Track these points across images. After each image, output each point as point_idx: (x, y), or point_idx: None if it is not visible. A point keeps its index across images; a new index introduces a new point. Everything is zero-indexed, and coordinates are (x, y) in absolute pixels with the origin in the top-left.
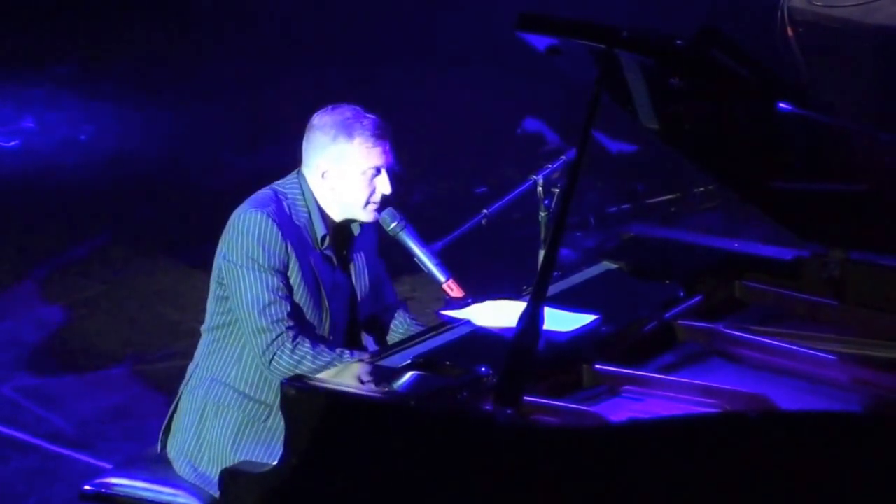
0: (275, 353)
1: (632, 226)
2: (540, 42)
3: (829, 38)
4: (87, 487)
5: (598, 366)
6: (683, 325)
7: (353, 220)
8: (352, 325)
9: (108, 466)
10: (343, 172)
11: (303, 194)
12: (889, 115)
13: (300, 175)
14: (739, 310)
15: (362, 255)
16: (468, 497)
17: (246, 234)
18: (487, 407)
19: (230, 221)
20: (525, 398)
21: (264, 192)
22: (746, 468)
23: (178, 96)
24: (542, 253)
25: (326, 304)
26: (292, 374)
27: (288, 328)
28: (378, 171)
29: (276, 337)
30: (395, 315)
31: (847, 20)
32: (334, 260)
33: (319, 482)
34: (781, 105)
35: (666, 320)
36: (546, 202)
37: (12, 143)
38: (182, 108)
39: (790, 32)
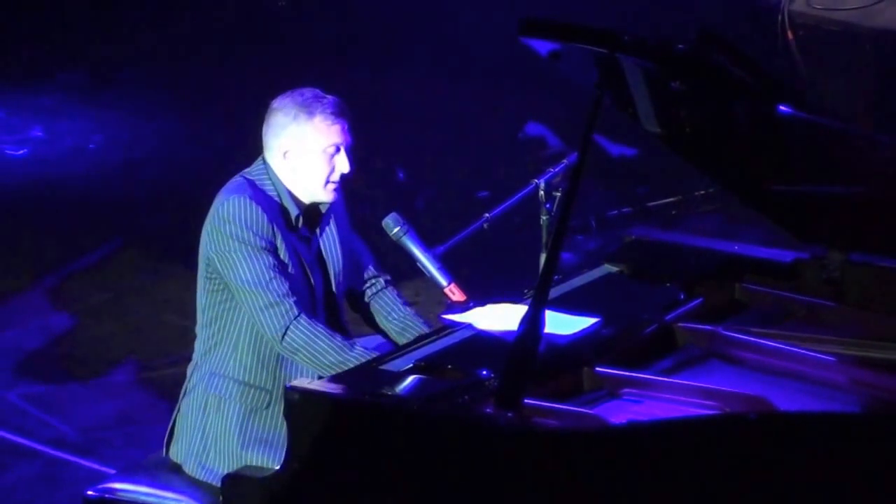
0: (288, 326)
1: (633, 229)
2: (542, 46)
3: (828, 41)
4: (90, 493)
5: (598, 368)
6: (684, 327)
7: (319, 202)
8: (331, 300)
9: (112, 472)
10: (304, 150)
11: (270, 179)
12: (888, 117)
13: (265, 161)
14: (739, 312)
15: (333, 230)
16: (470, 499)
17: (231, 220)
18: (489, 410)
19: (211, 213)
20: (526, 401)
21: (236, 181)
22: (746, 469)
23: (186, 106)
24: (543, 256)
25: (312, 281)
26: (305, 351)
27: (294, 302)
28: (337, 149)
29: (287, 310)
30: (382, 294)
31: (846, 23)
32: (309, 239)
33: (322, 486)
34: (781, 108)
35: (666, 323)
36: (547, 206)
37: (21, 152)
38: (190, 117)
39: (790, 36)
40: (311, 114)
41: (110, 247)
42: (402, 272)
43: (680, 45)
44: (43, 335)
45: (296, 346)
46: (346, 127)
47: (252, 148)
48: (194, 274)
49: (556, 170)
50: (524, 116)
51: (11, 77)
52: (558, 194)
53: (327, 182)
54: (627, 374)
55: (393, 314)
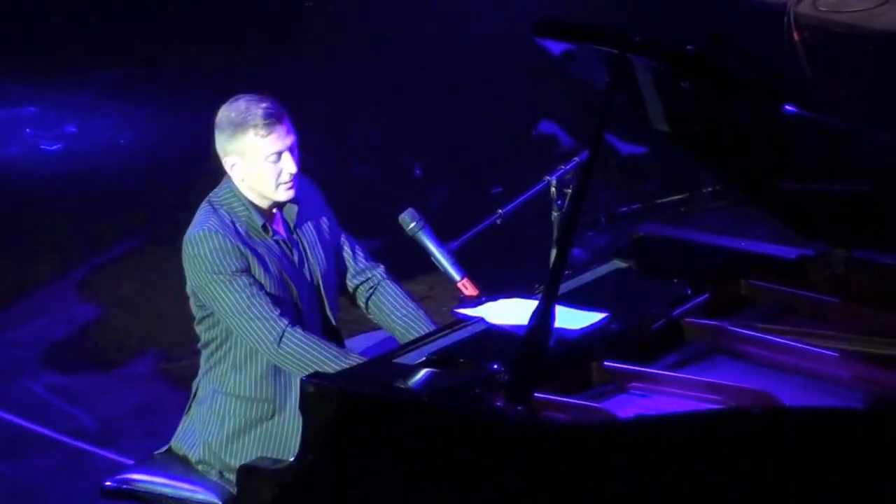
0: (282, 334)
1: (641, 225)
2: (556, 47)
3: (834, 42)
4: (108, 483)
5: (606, 363)
6: (690, 322)
7: (283, 203)
8: (319, 301)
9: (130, 463)
10: (247, 164)
11: (234, 194)
12: (891, 116)
13: (228, 177)
14: (745, 307)
15: (311, 229)
16: (480, 491)
17: (199, 256)
18: (499, 403)
19: (183, 252)
20: (535, 395)
21: (202, 209)
22: (751, 463)
23: (214, 104)
24: (553, 252)
25: (293, 287)
26: (300, 358)
27: (280, 315)
28: (279, 154)
29: (275, 322)
30: (381, 287)
31: (852, 25)
32: (286, 243)
33: (335, 477)
34: (787, 107)
35: (673, 318)
36: (559, 202)
37: (55, 147)
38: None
39: (796, 37)
40: (244, 129)
41: (137, 240)
42: (417, 266)
43: (689, 46)
44: (68, 326)
45: (291, 355)
46: (284, 130)
47: None
48: None
49: (568, 167)
50: (537, 115)
51: (48, 74)
52: (569, 191)
53: (278, 185)
54: (635, 368)
55: (396, 312)
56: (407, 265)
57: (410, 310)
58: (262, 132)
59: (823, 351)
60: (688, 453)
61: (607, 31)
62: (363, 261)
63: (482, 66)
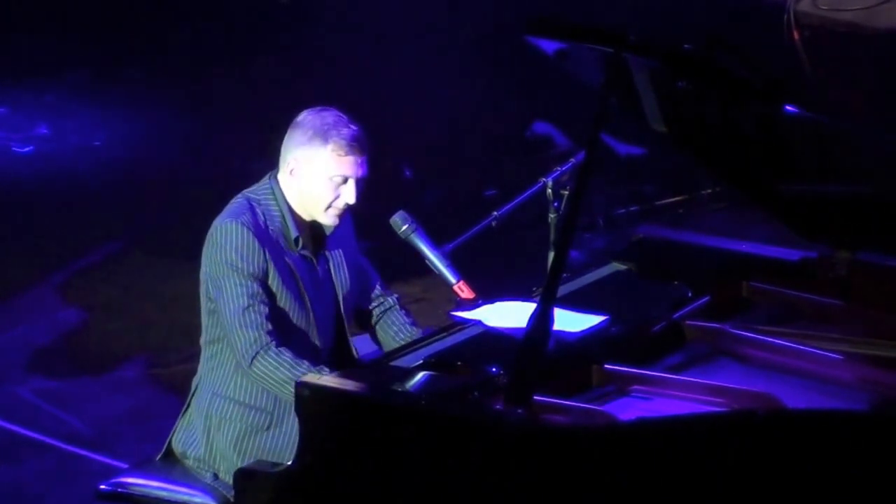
0: (256, 353)
1: (640, 227)
2: (549, 46)
3: (834, 41)
4: (103, 486)
5: (607, 365)
6: (691, 325)
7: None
8: (338, 321)
9: (125, 466)
10: (311, 173)
11: (275, 197)
12: (893, 116)
13: (272, 179)
14: (746, 310)
15: (339, 250)
16: (479, 495)
17: (224, 245)
18: (498, 406)
19: (208, 236)
20: (535, 397)
21: (238, 202)
22: (754, 466)
23: (191, 103)
24: (551, 255)
25: (309, 303)
26: (270, 379)
27: (268, 332)
28: (345, 180)
29: (257, 338)
30: (389, 312)
31: (852, 23)
32: (312, 259)
33: (333, 481)
34: (788, 108)
35: (674, 320)
36: (555, 204)
37: (27, 150)
38: (195, 114)
39: (796, 35)
40: (325, 140)
41: (118, 244)
42: (410, 270)
43: (686, 45)
44: (52, 331)
45: (262, 374)
46: (361, 161)
47: (255, 145)
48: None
49: (564, 168)
50: (532, 115)
51: (17, 74)
52: (566, 193)
53: (329, 207)
54: (636, 371)
55: (400, 335)
56: (399, 267)
57: (414, 331)
58: (342, 151)
59: (826, 353)
60: (690, 456)
61: (602, 30)
62: (379, 288)
63: (475, 63)
